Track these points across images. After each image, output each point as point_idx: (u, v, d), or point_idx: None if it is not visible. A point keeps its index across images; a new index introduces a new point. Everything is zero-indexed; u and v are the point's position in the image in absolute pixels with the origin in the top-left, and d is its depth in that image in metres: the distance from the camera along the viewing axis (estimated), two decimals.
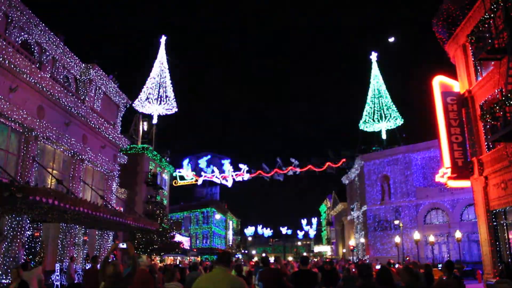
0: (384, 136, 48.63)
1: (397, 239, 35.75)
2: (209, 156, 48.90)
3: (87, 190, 24.30)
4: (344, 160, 38.21)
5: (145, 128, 45.67)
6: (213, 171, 44.44)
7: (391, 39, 55.11)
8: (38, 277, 10.55)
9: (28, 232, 18.11)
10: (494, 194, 17.90)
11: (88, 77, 23.89)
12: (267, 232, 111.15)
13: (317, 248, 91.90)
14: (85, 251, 24.01)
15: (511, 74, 14.55)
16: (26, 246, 17.92)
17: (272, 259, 26.62)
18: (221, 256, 5.23)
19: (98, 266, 10.69)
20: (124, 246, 28.00)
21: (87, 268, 19.26)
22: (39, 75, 18.42)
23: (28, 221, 17.45)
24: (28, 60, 17.87)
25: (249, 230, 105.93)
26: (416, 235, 33.46)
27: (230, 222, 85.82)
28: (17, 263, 15.52)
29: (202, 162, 45.29)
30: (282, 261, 10.78)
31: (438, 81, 21.58)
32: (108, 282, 5.82)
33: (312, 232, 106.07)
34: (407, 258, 33.03)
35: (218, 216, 70.86)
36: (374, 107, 48.38)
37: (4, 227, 16.39)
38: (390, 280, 5.77)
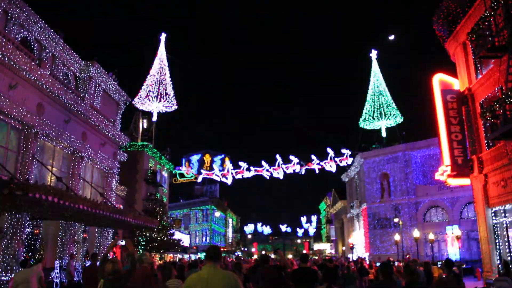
0: (384, 134, 48.64)
1: (397, 237, 35.77)
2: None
3: (87, 188, 24.31)
4: (345, 158, 38.19)
5: (145, 126, 45.64)
6: (212, 169, 44.46)
7: (391, 37, 55.08)
8: (37, 275, 10.53)
9: (27, 230, 18.13)
10: (493, 192, 17.89)
11: (88, 74, 23.86)
12: (267, 229, 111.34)
13: (316, 246, 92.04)
14: (84, 249, 24.05)
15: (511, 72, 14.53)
16: (26, 244, 17.95)
17: (272, 256, 26.65)
18: (210, 252, 4.73)
19: (98, 263, 10.70)
20: (123, 243, 28.10)
21: (86, 265, 19.28)
22: (39, 72, 18.40)
23: (28, 219, 17.46)
24: (28, 57, 17.85)
25: (249, 228, 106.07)
26: (416, 233, 33.49)
27: (230, 220, 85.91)
28: (17, 261, 15.54)
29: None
30: (281, 253, 10.77)
31: (438, 79, 21.55)
32: (107, 280, 5.82)
33: (311, 230, 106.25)
34: (407, 256, 33.05)
35: (217, 213, 70.92)
36: (374, 105, 48.37)
37: (3, 224, 16.39)
38: (391, 273, 5.88)
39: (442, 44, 22.53)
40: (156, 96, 45.44)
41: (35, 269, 10.80)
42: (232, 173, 40.70)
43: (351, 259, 31.88)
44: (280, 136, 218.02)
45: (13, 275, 14.05)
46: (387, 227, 41.78)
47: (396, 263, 24.35)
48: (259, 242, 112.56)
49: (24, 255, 17.07)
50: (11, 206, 14.10)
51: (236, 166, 40.99)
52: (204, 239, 67.40)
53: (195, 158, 45.17)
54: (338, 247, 65.74)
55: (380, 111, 47.79)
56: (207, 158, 46.78)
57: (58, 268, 17.89)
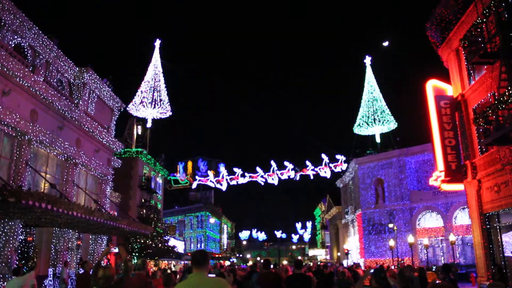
0: (378, 140, 48.79)
1: (392, 242, 35.80)
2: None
3: (81, 194, 24.17)
4: (339, 164, 38.28)
5: (139, 132, 45.52)
6: (207, 175, 44.26)
7: (385, 43, 55.32)
8: (30, 283, 10.46)
9: (20, 237, 17.96)
10: (487, 197, 17.99)
11: (82, 80, 23.79)
12: (262, 236, 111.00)
13: (311, 252, 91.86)
14: (78, 256, 23.85)
15: (504, 78, 14.65)
16: (19, 251, 17.77)
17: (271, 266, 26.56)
18: (196, 257, 4.43)
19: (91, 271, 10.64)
20: (117, 250, 27.89)
21: (80, 273, 19.13)
22: (33, 79, 18.33)
23: (21, 226, 17.31)
24: (22, 63, 17.78)
25: (244, 234, 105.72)
26: (410, 238, 33.54)
27: (225, 226, 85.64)
28: (10, 269, 15.40)
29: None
30: (282, 268, 10.72)
31: (432, 85, 21.70)
32: (99, 285, 5.77)
33: (306, 236, 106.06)
34: (402, 261, 33.08)
35: (212, 220, 70.67)
36: (368, 111, 48.56)
37: None
38: (385, 278, 5.90)
39: (436, 50, 22.71)
40: (150, 103, 45.40)
41: (28, 277, 10.72)
42: (226, 179, 40.63)
43: (345, 265, 31.82)
44: (275, 142, 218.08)
45: (5, 283, 13.92)
46: (382, 232, 41.78)
47: (393, 267, 24.38)
48: (254, 249, 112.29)
49: (17, 263, 16.91)
50: (4, 213, 14.00)
51: (230, 172, 40.93)
52: (198, 245, 67.13)
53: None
54: (333, 252, 65.68)
55: (374, 117, 47.99)
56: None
57: (51, 275, 17.75)
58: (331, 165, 38.30)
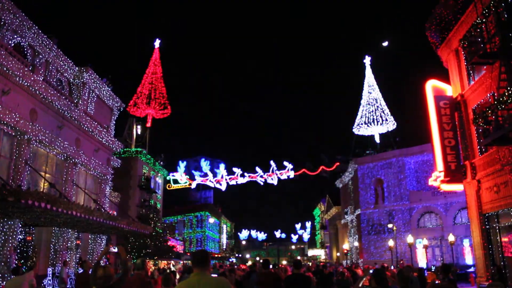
0: (377, 140, 48.79)
1: (391, 242, 35.78)
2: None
3: (80, 194, 24.16)
4: (338, 163, 38.38)
5: (139, 132, 45.52)
6: (206, 175, 44.21)
7: (385, 43, 55.34)
8: (29, 282, 10.44)
9: (20, 236, 17.98)
10: (486, 198, 17.98)
11: (82, 80, 23.78)
12: (261, 236, 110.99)
13: (311, 252, 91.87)
14: (78, 255, 23.84)
15: (503, 78, 14.66)
16: (18, 250, 17.78)
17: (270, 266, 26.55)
18: (197, 256, 4.32)
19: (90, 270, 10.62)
20: (116, 250, 27.89)
21: (79, 272, 19.13)
22: (32, 78, 18.32)
23: (20, 225, 17.31)
24: (21, 63, 17.77)
25: (243, 234, 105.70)
26: (410, 239, 33.52)
27: (224, 226, 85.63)
28: (9, 268, 15.39)
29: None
30: (281, 268, 10.73)
31: (431, 85, 21.69)
32: (98, 285, 5.77)
33: (306, 236, 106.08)
34: (401, 262, 33.05)
35: (212, 220, 70.67)
36: (368, 111, 48.56)
37: None
38: (385, 279, 5.90)
39: (435, 50, 22.69)
40: (149, 102, 45.42)
41: (27, 276, 10.70)
42: (226, 179, 40.66)
43: (344, 265, 31.84)
44: (274, 142, 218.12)
45: (4, 282, 13.92)
46: (381, 232, 41.78)
47: (392, 267, 24.37)
48: (253, 249, 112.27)
49: (16, 262, 16.91)
50: (3, 212, 14.00)
51: (230, 172, 40.97)
52: (198, 245, 67.12)
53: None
54: (332, 253, 65.66)
55: (373, 117, 47.99)
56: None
57: (50, 275, 17.74)
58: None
